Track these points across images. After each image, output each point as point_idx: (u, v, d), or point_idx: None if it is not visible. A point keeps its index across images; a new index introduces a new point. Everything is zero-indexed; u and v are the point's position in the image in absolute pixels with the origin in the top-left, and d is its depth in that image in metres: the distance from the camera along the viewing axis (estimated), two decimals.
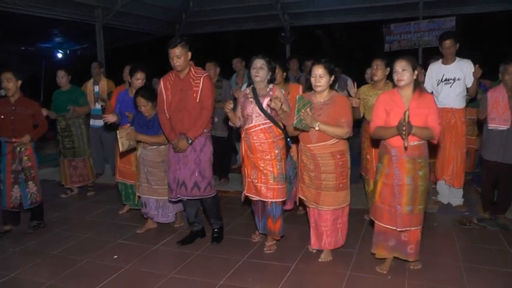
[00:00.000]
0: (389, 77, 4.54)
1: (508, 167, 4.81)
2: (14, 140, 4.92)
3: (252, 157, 4.23)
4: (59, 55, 15.77)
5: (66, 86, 6.27)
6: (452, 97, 5.21)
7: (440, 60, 5.37)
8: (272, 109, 4.07)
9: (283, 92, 4.24)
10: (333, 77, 3.89)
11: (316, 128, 3.78)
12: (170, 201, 4.77)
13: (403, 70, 3.53)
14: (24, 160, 4.99)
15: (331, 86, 3.95)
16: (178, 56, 4.20)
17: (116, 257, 4.38)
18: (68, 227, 5.29)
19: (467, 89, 5.21)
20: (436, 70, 5.33)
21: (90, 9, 9.71)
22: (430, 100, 3.60)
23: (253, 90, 4.23)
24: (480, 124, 5.33)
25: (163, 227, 5.09)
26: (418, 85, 3.66)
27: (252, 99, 4.20)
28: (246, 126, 4.22)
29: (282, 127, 4.21)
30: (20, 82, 4.96)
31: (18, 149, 4.94)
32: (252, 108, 4.17)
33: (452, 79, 5.19)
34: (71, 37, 14.18)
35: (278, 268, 4.01)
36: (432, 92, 5.34)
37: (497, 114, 4.73)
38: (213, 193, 4.54)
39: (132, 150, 4.88)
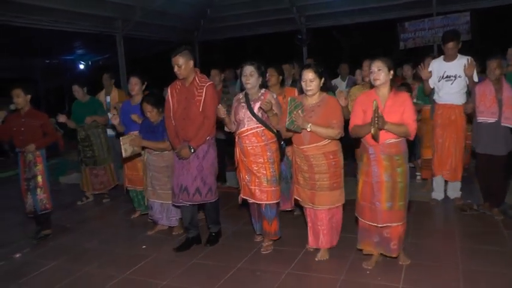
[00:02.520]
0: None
1: (497, 158, 4.94)
2: (24, 149, 5.18)
3: (246, 161, 4.36)
4: (81, 66, 16.15)
5: (84, 98, 6.53)
6: (453, 94, 5.35)
7: (442, 57, 5.49)
8: (264, 113, 4.20)
9: (275, 96, 4.35)
10: (323, 80, 3.99)
11: (308, 129, 3.88)
12: (174, 206, 4.85)
13: (379, 70, 3.70)
14: (34, 168, 5.25)
15: (322, 88, 4.05)
16: (179, 64, 4.30)
17: (144, 247, 4.80)
18: (97, 224, 5.78)
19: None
20: (437, 67, 5.44)
21: (110, 21, 10.03)
22: (405, 98, 3.73)
23: (246, 95, 4.37)
24: (471, 119, 5.37)
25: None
26: (394, 84, 3.83)
27: (244, 104, 4.33)
28: (239, 131, 4.35)
29: (275, 131, 4.30)
30: (29, 96, 5.23)
31: (28, 157, 5.22)
32: (244, 113, 4.30)
33: (453, 76, 5.32)
34: (92, 49, 14.52)
35: (277, 270, 4.03)
36: (433, 88, 5.51)
37: (485, 107, 4.88)
38: (214, 198, 4.62)
39: (136, 155, 5.08)
